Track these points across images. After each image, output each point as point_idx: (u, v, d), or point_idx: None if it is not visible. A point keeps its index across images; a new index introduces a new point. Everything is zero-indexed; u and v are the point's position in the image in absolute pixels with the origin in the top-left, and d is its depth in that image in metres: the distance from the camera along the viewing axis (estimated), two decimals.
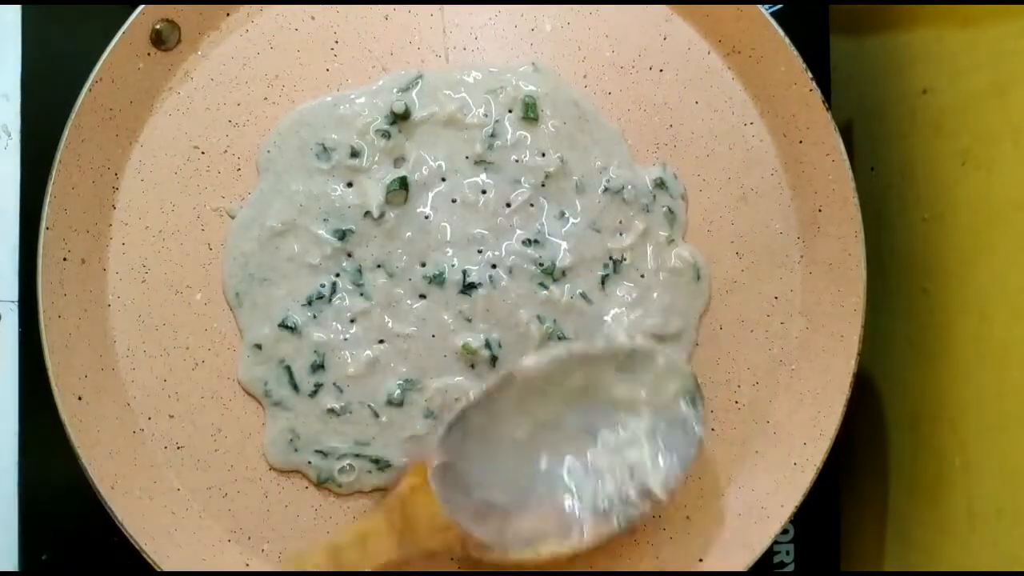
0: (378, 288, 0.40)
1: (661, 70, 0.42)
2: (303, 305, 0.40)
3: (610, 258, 0.41)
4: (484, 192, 0.41)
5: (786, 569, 0.46)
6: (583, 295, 0.41)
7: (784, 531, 0.42)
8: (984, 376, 0.39)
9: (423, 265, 0.40)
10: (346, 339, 0.40)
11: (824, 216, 0.42)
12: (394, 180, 0.40)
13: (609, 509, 0.37)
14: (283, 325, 0.40)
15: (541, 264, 0.40)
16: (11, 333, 0.44)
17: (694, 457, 0.37)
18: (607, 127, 0.42)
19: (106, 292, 0.40)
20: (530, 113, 0.41)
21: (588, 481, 0.37)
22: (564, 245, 0.41)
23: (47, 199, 0.38)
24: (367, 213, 0.40)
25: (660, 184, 0.42)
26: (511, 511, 0.37)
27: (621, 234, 0.41)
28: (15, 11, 0.44)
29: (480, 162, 0.41)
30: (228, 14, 0.41)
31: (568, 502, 0.37)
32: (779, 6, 0.45)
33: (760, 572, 0.42)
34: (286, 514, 0.40)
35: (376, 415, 0.40)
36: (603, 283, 0.41)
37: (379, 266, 0.40)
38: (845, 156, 0.41)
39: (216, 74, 0.41)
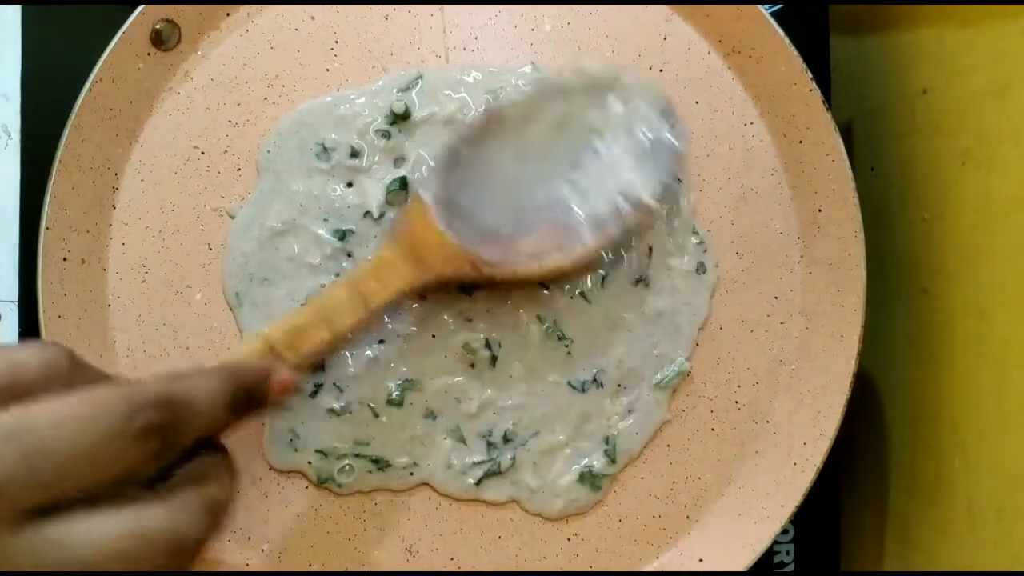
0: None
1: (661, 70, 0.42)
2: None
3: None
4: None
5: (786, 569, 0.46)
6: (583, 295, 0.41)
7: (784, 531, 0.42)
8: (984, 376, 0.39)
9: None
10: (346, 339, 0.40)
11: (824, 216, 0.42)
12: (394, 180, 0.40)
13: (606, 219, 0.38)
14: None
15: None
16: (11, 333, 0.44)
17: (677, 164, 0.40)
18: None
19: (106, 292, 0.40)
20: None
21: (582, 201, 0.39)
22: None
23: (47, 199, 0.38)
24: (367, 213, 0.40)
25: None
26: (513, 234, 0.38)
27: None
28: (15, 11, 0.44)
29: None
30: (228, 14, 0.41)
31: (566, 219, 0.38)
32: (779, 6, 0.45)
33: (760, 572, 0.42)
34: (286, 514, 0.40)
35: (376, 415, 0.40)
36: (603, 283, 0.41)
37: None
38: (845, 156, 0.41)
39: (216, 74, 0.41)
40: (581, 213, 0.38)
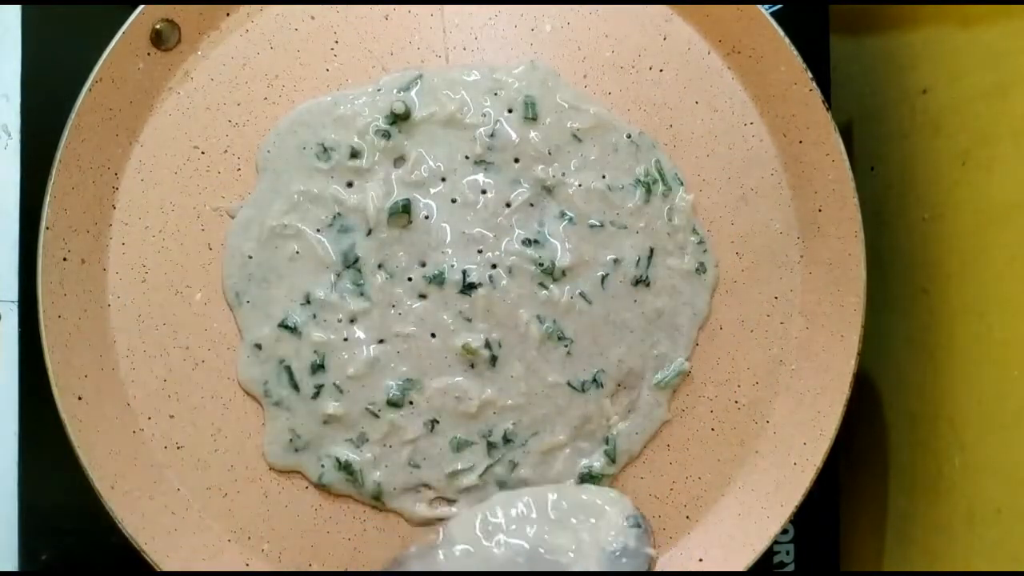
0: (378, 288, 0.40)
1: (661, 70, 0.42)
2: (303, 305, 0.40)
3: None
4: (484, 192, 0.41)
5: (786, 569, 0.46)
6: (583, 295, 0.41)
7: (784, 531, 0.42)
8: (984, 376, 0.39)
9: (423, 265, 0.40)
10: (346, 339, 0.40)
11: (824, 216, 0.42)
12: (396, 203, 0.40)
13: None
14: (283, 325, 0.40)
15: (541, 264, 0.40)
16: (11, 333, 0.44)
17: (647, 565, 0.39)
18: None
19: (106, 292, 0.40)
20: (529, 113, 0.41)
21: None
22: (564, 245, 0.41)
23: (47, 199, 0.38)
24: (366, 220, 0.40)
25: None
26: None
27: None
28: (15, 11, 0.44)
29: (480, 162, 0.41)
30: (228, 14, 0.41)
31: None
32: (779, 6, 0.45)
33: (760, 572, 0.42)
34: (286, 514, 0.40)
35: (376, 415, 0.40)
36: (603, 283, 0.41)
37: (379, 266, 0.40)
38: (845, 156, 0.41)
39: (216, 74, 0.41)
40: None
